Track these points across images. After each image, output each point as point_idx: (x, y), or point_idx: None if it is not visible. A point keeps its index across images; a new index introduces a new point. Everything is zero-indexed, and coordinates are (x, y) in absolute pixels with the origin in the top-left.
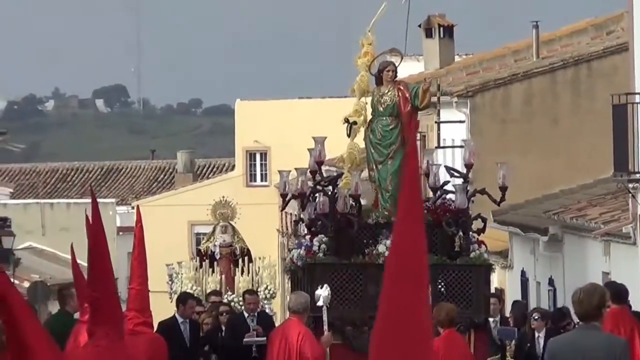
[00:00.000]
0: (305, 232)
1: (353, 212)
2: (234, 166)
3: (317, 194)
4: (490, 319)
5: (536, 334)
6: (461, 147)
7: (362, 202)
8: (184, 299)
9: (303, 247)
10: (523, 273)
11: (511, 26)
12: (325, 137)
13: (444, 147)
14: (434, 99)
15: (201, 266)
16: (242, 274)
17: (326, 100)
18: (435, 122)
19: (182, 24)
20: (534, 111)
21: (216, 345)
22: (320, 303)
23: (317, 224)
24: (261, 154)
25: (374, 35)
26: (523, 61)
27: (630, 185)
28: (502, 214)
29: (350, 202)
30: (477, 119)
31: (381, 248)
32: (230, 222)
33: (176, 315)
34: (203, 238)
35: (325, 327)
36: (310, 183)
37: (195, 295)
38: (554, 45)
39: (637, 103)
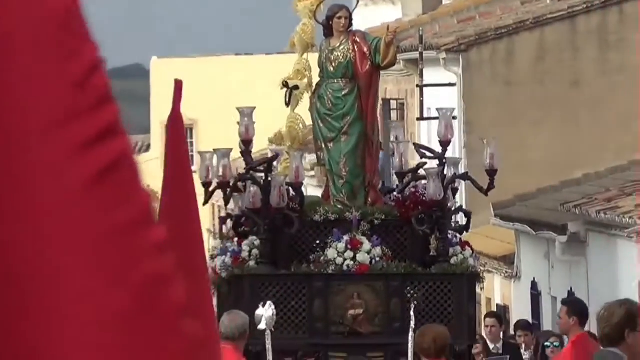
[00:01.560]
0: (232, 233)
1: (294, 205)
2: (149, 146)
3: (246, 183)
4: (490, 345)
5: None
6: (452, 118)
7: (306, 192)
8: None
9: (229, 254)
10: (534, 285)
11: None
12: (254, 108)
13: (427, 119)
14: (415, 55)
15: None
16: None
17: (273, 57)
18: (417, 85)
19: None
20: (547, 70)
21: None
22: (262, 326)
23: (246, 223)
24: (186, 130)
25: None
26: (533, 4)
27: None
28: (507, 207)
29: (290, 192)
30: (472, 80)
31: (331, 253)
32: None
33: None
34: None
35: (269, 357)
36: (238, 168)
37: None
38: None
39: None
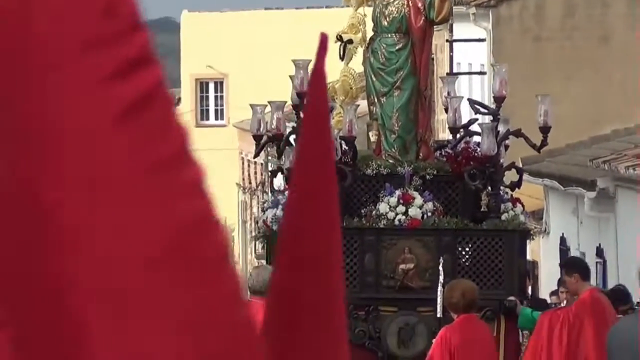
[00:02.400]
0: (284, 186)
1: (346, 159)
2: (179, 99)
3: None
4: None
5: None
6: (480, 73)
7: (359, 146)
8: None
9: (280, 206)
10: (562, 240)
11: None
12: (310, 60)
13: (457, 74)
14: None
15: None
16: None
17: (303, 12)
18: (447, 40)
19: None
20: (576, 26)
21: None
22: None
23: None
24: (216, 84)
25: None
26: None
27: None
28: (535, 163)
29: (343, 146)
30: (501, 36)
31: (383, 208)
32: None
33: None
34: None
35: None
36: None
37: None
38: None
39: None
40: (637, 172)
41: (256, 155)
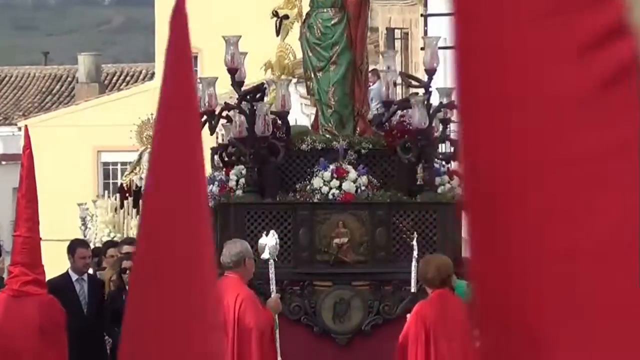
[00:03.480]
0: (221, 163)
1: (280, 134)
2: (153, 74)
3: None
4: None
5: None
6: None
7: (291, 122)
8: (72, 248)
9: (216, 183)
10: None
11: None
12: (240, 36)
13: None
14: None
15: (122, 206)
16: None
17: None
18: (422, 15)
19: None
20: None
21: (118, 314)
22: (265, 255)
23: (234, 152)
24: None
25: None
26: None
27: None
28: None
29: (277, 121)
30: None
31: (317, 182)
32: None
33: (69, 271)
34: (113, 169)
35: (273, 287)
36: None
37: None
38: None
39: None
40: None
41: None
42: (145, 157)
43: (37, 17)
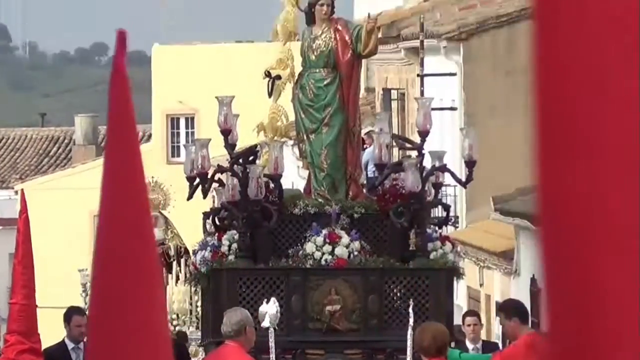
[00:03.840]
0: (213, 227)
1: (273, 198)
2: (150, 135)
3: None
4: (470, 346)
5: None
6: (451, 109)
7: (288, 185)
8: (68, 316)
9: (208, 248)
10: (533, 281)
11: None
12: (233, 97)
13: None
14: (416, 43)
15: None
16: (176, 282)
17: (275, 45)
18: (418, 75)
19: None
20: None
21: None
22: (265, 324)
23: (226, 217)
24: (187, 119)
25: None
26: None
27: None
28: (507, 201)
29: (270, 184)
30: (473, 70)
31: (309, 247)
32: (162, 211)
33: (65, 339)
34: None
35: (272, 357)
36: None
37: None
38: None
39: None
40: None
41: (189, 197)
42: None
43: (33, 77)
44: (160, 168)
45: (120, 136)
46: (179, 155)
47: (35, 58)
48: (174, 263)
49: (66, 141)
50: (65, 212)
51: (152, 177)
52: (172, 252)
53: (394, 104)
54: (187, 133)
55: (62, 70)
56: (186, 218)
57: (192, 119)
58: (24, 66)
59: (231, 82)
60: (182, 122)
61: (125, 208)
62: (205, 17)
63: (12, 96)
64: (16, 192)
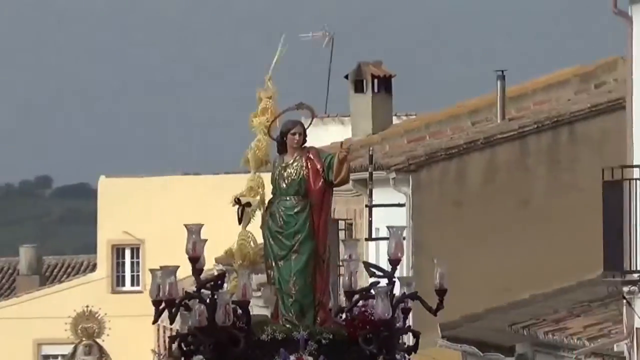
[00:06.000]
0: (179, 352)
1: (241, 324)
2: (95, 265)
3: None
4: None
5: None
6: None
7: (252, 312)
8: None
9: None
10: None
11: (468, 77)
12: (202, 225)
13: (376, 239)
14: (365, 175)
15: None
16: None
17: (221, 177)
18: (366, 205)
19: (27, 71)
20: (497, 190)
21: None
22: None
23: (193, 342)
24: (132, 250)
25: (275, 86)
26: (483, 124)
27: (625, 289)
28: (454, 328)
29: (238, 311)
30: (421, 201)
31: None
32: (97, 339)
33: None
34: None
35: None
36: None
37: None
38: (525, 102)
39: (635, 179)
40: (555, 338)
41: (154, 321)
42: (80, 350)
43: None
44: (105, 297)
45: None
46: (124, 285)
47: None
48: None
49: (10, 271)
50: (9, 342)
51: (87, 307)
52: None
53: (342, 234)
54: (132, 263)
55: (6, 202)
56: (119, 345)
57: (138, 249)
58: None
59: (176, 213)
60: (128, 252)
61: None
62: (151, 150)
63: None
64: None
